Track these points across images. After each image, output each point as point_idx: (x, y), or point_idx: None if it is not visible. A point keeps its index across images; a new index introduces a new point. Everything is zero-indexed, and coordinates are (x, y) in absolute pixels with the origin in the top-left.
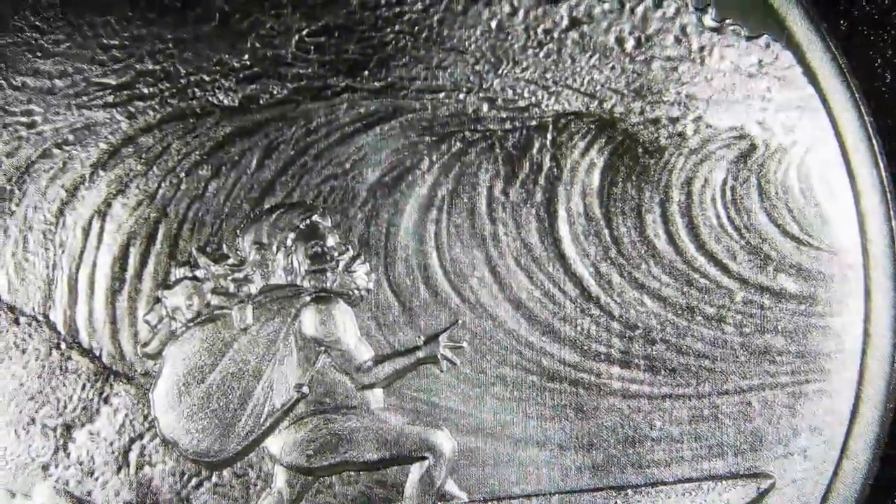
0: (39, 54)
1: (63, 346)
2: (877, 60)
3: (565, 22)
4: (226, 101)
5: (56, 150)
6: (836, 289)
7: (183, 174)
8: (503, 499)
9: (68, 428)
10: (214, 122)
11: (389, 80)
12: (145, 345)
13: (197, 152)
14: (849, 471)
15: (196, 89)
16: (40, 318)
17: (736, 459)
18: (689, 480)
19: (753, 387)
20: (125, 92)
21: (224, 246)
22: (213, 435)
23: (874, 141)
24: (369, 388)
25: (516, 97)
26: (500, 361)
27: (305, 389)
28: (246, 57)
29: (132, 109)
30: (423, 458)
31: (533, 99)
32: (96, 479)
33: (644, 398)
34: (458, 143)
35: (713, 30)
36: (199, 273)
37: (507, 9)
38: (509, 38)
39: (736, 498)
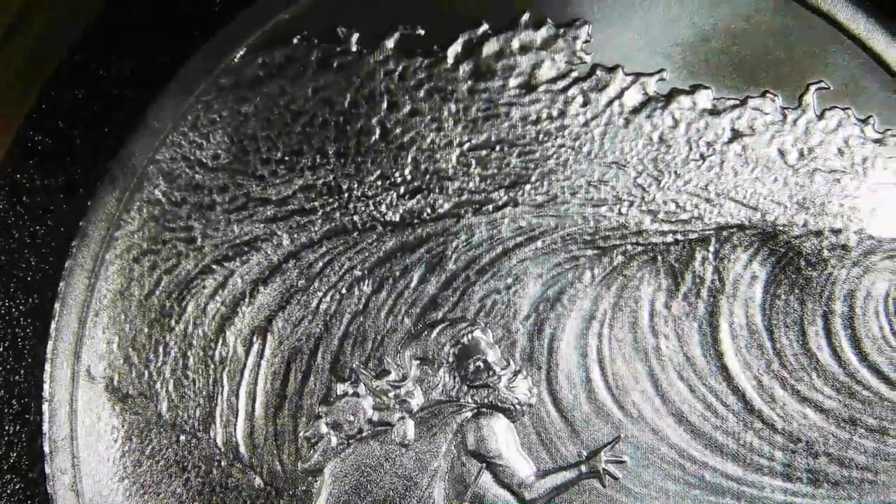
0: (199, 169)
1: (223, 463)
2: None
3: (727, 134)
4: (388, 216)
5: (216, 266)
6: None
7: (345, 289)
8: None
9: None
10: (377, 236)
11: (551, 193)
12: (306, 461)
13: (359, 267)
14: None
15: (358, 204)
16: (200, 434)
17: None
18: None
19: None
20: (286, 207)
21: (385, 361)
22: None
23: None
24: (532, 503)
25: (679, 210)
26: (663, 475)
27: None
28: (408, 171)
29: (293, 224)
30: None
31: (695, 212)
32: None
33: None
34: (620, 257)
35: (876, 141)
36: (361, 389)
37: (668, 121)
38: (671, 150)
39: None
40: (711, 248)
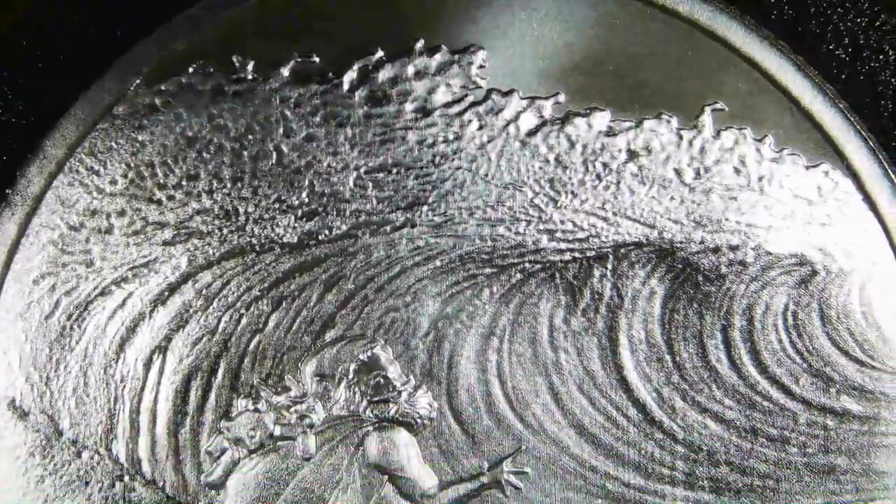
0: (97, 194)
1: (126, 477)
2: None
3: (623, 155)
4: (285, 238)
5: (115, 288)
6: None
7: (243, 309)
8: None
9: None
10: (274, 258)
11: (449, 214)
12: (208, 475)
13: (257, 288)
14: None
15: (255, 226)
16: (102, 451)
17: None
18: None
19: None
20: (183, 230)
21: (286, 378)
22: None
23: None
24: None
25: (576, 228)
26: (565, 486)
27: None
28: (304, 194)
29: (191, 247)
30: None
31: (592, 230)
32: None
33: None
34: (518, 275)
35: (772, 160)
36: (261, 405)
37: (565, 144)
38: (568, 171)
39: None
40: (609, 266)
